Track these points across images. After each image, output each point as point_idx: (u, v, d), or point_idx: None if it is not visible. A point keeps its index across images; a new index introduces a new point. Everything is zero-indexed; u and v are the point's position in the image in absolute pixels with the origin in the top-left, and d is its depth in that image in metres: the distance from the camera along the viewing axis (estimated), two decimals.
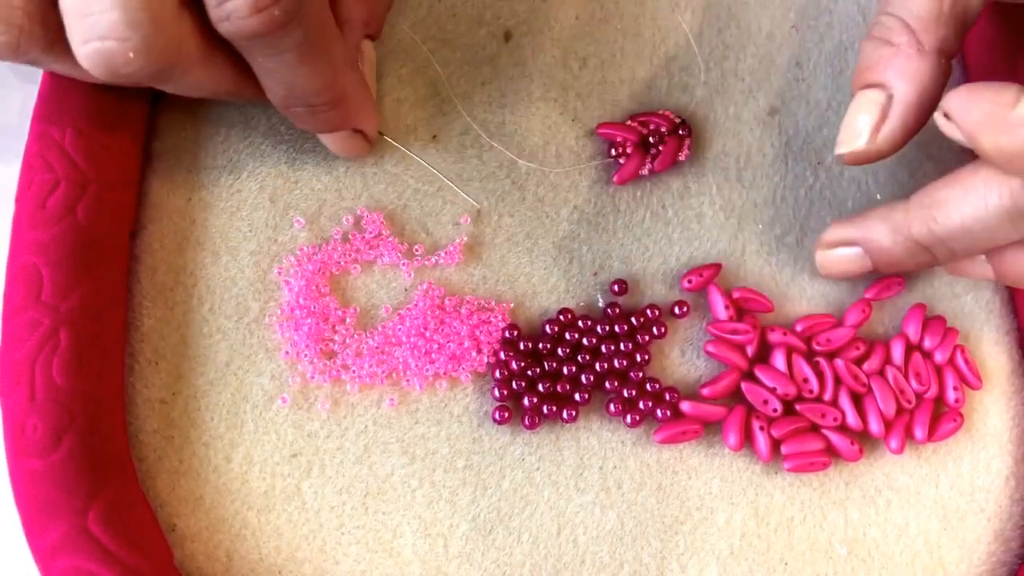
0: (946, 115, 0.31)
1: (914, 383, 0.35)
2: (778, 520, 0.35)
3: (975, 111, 0.29)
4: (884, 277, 0.37)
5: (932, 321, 0.36)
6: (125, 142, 0.34)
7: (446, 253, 0.36)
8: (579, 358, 0.35)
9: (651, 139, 0.37)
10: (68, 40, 0.27)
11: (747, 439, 0.35)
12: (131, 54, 0.26)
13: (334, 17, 0.32)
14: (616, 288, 0.36)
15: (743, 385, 0.35)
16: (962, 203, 0.31)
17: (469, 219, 0.36)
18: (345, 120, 0.33)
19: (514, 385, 0.34)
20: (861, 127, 0.33)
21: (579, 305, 0.36)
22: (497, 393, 0.34)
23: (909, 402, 0.35)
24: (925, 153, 0.39)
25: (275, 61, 0.29)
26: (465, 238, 0.36)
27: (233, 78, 0.31)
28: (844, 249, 0.35)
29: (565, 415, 0.34)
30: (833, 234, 0.35)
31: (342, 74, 0.31)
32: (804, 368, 0.35)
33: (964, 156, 0.37)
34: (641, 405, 0.34)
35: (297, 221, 0.35)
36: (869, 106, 0.33)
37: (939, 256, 0.33)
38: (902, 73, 0.32)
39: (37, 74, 0.35)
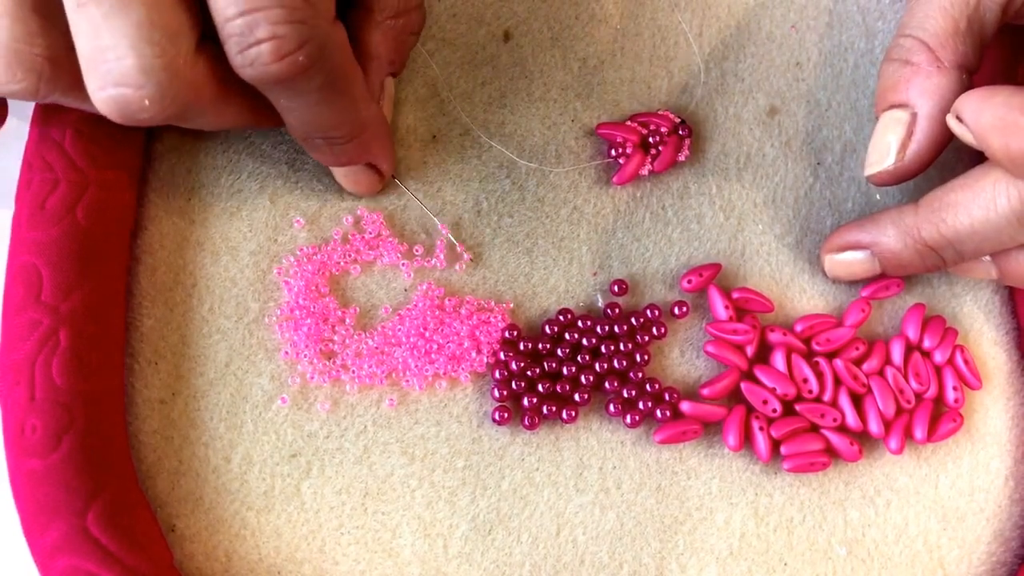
0: (958, 118, 0.31)
1: (914, 383, 0.35)
2: (777, 520, 0.35)
3: (987, 114, 0.29)
4: (884, 277, 0.37)
5: (932, 321, 0.36)
6: (125, 142, 0.34)
7: (443, 256, 0.36)
8: (579, 358, 0.35)
9: (651, 139, 0.37)
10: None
11: (747, 439, 0.35)
12: (146, 101, 0.26)
13: (361, 53, 0.32)
14: (616, 288, 0.36)
15: (743, 385, 0.35)
16: (971, 206, 0.31)
17: (447, 230, 0.36)
18: (362, 154, 0.33)
19: (514, 385, 0.34)
20: (888, 147, 0.33)
21: (579, 305, 0.36)
22: (497, 393, 0.34)
23: (909, 402, 0.35)
24: None
25: (296, 101, 0.29)
26: (459, 248, 0.36)
27: (248, 114, 0.31)
28: (852, 253, 0.35)
29: (565, 415, 0.34)
30: (841, 238, 0.35)
31: (362, 108, 0.31)
32: (804, 368, 0.35)
33: (965, 156, 0.37)
34: (641, 405, 0.34)
35: (297, 221, 0.36)
36: (894, 126, 0.33)
37: (947, 259, 0.33)
38: (923, 91, 0.33)
39: None
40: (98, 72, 0.26)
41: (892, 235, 0.34)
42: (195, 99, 0.28)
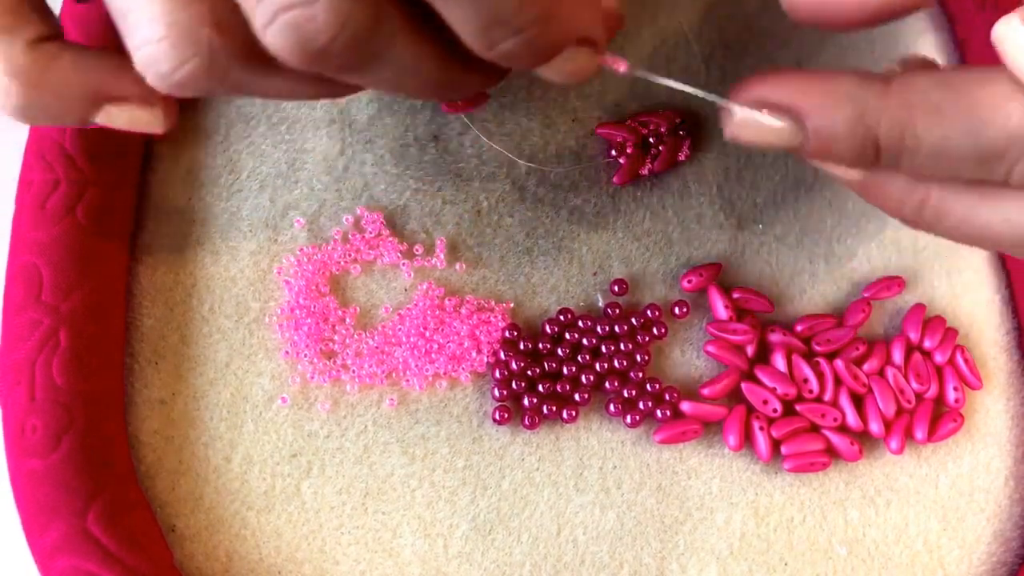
0: None
1: (914, 383, 0.35)
2: (778, 520, 0.35)
3: None
4: (884, 277, 0.37)
5: (932, 321, 0.36)
6: (125, 142, 0.34)
7: (442, 256, 0.36)
8: (579, 358, 0.35)
9: (651, 139, 0.37)
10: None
11: (747, 439, 0.35)
12: (319, 18, 0.22)
13: None
14: (616, 288, 0.36)
15: (743, 385, 0.35)
16: (958, 115, 0.24)
17: (444, 245, 0.36)
18: (567, 29, 0.24)
19: (514, 385, 0.34)
20: None
21: (579, 305, 0.36)
22: (497, 393, 0.34)
23: (909, 402, 0.35)
24: None
25: None
26: (442, 259, 0.36)
27: (446, 59, 0.25)
28: (775, 118, 0.26)
29: (565, 415, 0.34)
30: (771, 91, 0.26)
31: None
32: (804, 368, 0.35)
33: None
34: (641, 405, 0.34)
35: (297, 221, 0.36)
36: None
37: (884, 163, 0.26)
38: None
39: None
40: (262, 6, 0.22)
41: (842, 113, 0.25)
42: (377, 24, 0.23)
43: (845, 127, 0.25)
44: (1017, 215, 0.26)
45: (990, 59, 0.25)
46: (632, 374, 0.35)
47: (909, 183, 0.27)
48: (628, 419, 0.34)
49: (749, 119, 0.26)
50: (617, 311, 0.35)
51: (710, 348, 0.35)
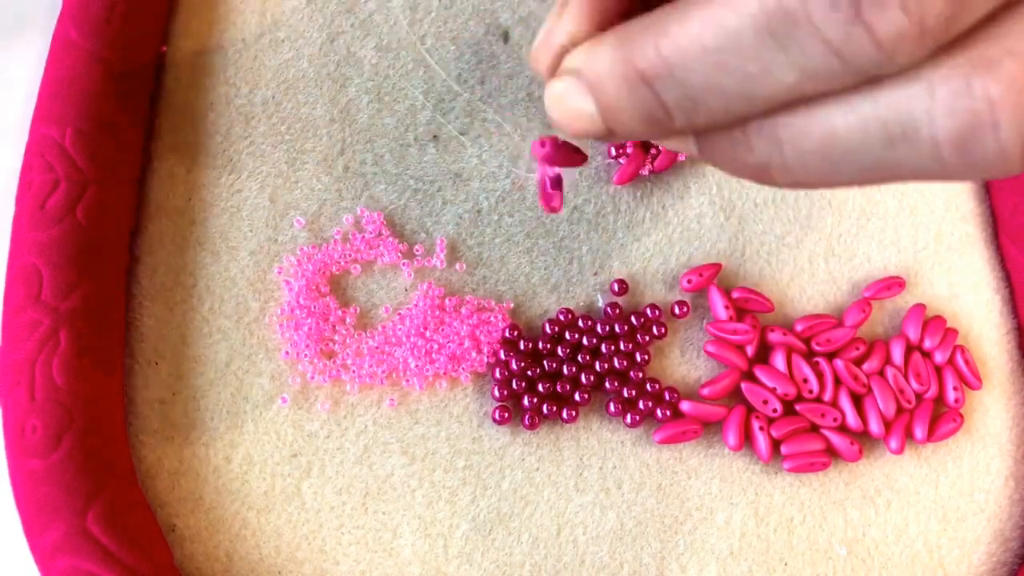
0: None
1: (914, 383, 0.35)
2: (778, 520, 0.35)
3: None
4: (884, 277, 0.37)
5: (932, 321, 0.36)
6: (125, 142, 0.34)
7: (442, 256, 0.36)
8: (579, 358, 0.35)
9: None
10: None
11: (747, 439, 0.35)
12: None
13: None
14: (616, 288, 0.36)
15: (743, 385, 0.35)
16: (703, 11, 0.19)
17: (444, 245, 0.36)
18: None
19: (514, 385, 0.34)
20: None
21: (579, 305, 0.36)
22: (497, 393, 0.34)
23: (909, 402, 0.35)
24: None
25: None
26: (442, 260, 0.36)
27: None
28: (572, 84, 0.22)
29: (565, 415, 0.34)
30: (561, 35, 0.22)
31: None
32: (804, 368, 0.35)
33: None
34: (641, 405, 0.34)
35: (297, 221, 0.36)
36: None
37: (668, 101, 0.20)
38: None
39: (37, 71, 0.35)
40: None
41: (606, 51, 0.21)
42: None
43: (605, 65, 0.21)
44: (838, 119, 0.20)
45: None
46: (632, 374, 0.35)
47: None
48: (628, 419, 0.34)
49: (553, 93, 0.22)
50: (617, 311, 0.35)
51: (710, 348, 0.35)
